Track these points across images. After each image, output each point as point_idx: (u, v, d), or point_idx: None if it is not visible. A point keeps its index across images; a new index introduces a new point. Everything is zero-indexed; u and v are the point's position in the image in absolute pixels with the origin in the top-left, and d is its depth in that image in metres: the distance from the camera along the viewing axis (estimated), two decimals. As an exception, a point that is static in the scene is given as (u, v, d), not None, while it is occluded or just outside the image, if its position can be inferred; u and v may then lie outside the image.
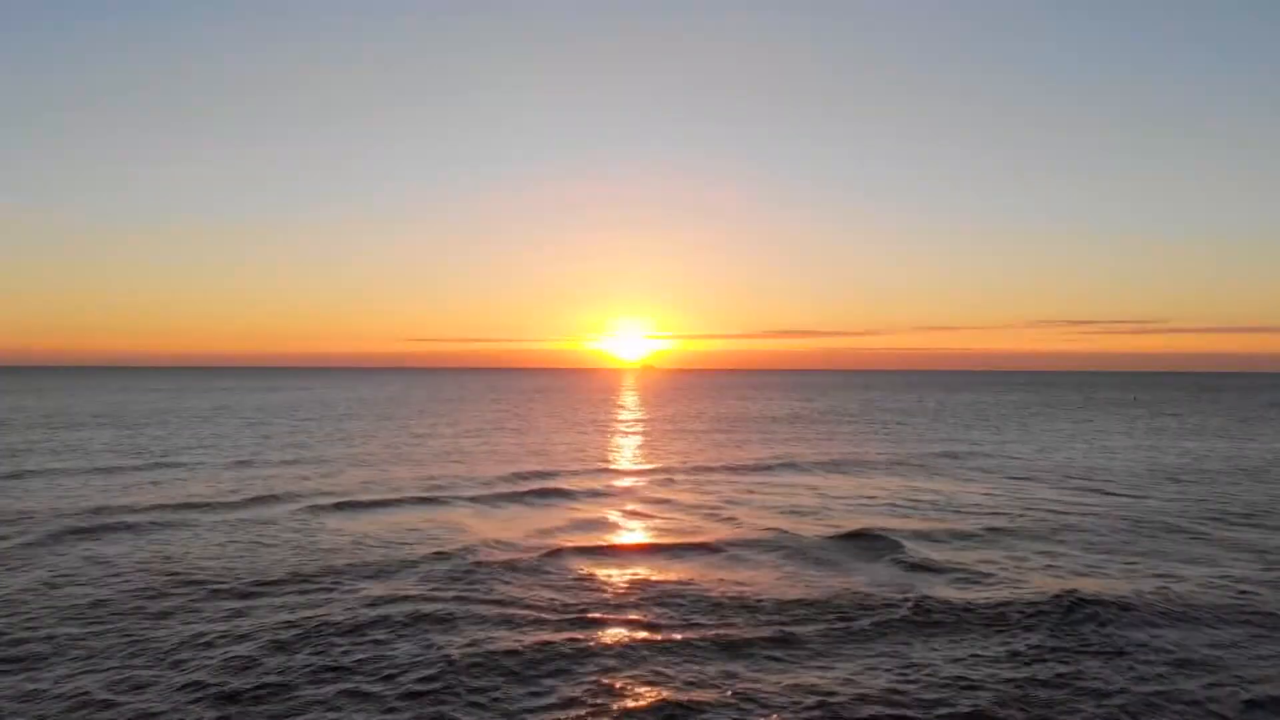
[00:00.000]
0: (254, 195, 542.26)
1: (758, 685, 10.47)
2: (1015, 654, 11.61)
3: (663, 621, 13.03)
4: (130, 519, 21.15)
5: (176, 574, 15.76)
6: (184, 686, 10.34)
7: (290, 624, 12.75)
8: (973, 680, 10.62)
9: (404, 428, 53.68)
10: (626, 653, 11.64)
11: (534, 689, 10.37)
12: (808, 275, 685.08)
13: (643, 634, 12.43)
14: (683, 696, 10.09)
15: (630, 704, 9.89)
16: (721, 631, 12.54)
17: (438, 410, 75.25)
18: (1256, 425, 59.68)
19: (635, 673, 10.88)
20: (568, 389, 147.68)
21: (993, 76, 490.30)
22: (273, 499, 24.46)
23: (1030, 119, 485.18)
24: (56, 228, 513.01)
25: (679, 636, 12.30)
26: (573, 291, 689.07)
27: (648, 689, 10.33)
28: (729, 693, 10.22)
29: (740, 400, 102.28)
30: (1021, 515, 22.45)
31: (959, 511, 23.11)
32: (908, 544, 18.21)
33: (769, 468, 33.20)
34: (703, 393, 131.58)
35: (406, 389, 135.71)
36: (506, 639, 12.11)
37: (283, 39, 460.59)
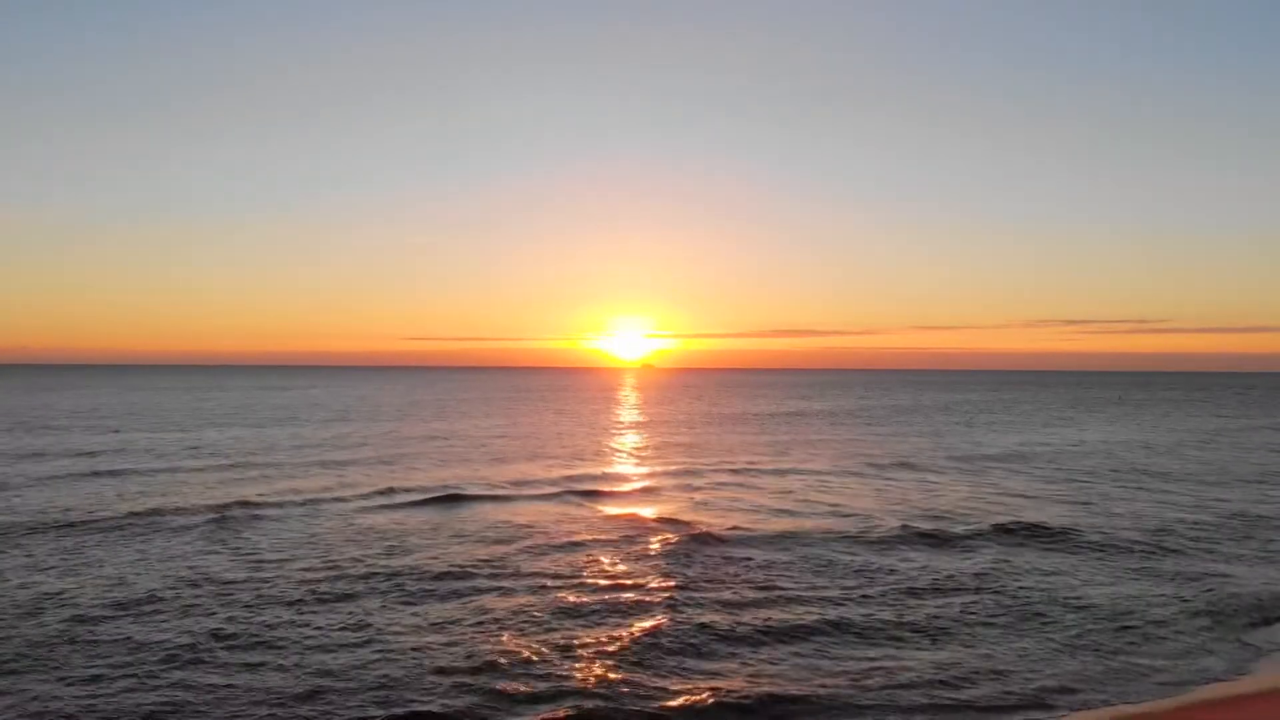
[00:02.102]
0: (247, 194, 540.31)
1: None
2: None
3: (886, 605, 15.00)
4: (333, 508, 23.00)
5: (415, 564, 17.55)
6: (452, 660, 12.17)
7: (517, 606, 14.58)
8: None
9: (471, 424, 55.64)
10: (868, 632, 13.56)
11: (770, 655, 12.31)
12: (806, 275, 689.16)
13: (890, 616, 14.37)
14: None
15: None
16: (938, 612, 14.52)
17: (486, 409, 77.11)
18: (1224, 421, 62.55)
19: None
20: (582, 388, 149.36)
21: (991, 75, 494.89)
22: (402, 490, 26.20)
23: (1029, 118, 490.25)
24: (54, 227, 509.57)
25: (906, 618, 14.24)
26: (571, 290, 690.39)
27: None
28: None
29: (760, 400, 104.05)
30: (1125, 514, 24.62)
31: (1072, 504, 25.24)
32: (1072, 534, 20.08)
33: (852, 469, 34.88)
34: (717, 392, 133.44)
35: (427, 388, 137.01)
36: (711, 614, 14.03)
37: (280, 37, 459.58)
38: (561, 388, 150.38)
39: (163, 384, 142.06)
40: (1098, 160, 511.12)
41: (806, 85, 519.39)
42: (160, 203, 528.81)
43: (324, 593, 14.64)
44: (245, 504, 23.29)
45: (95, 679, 10.70)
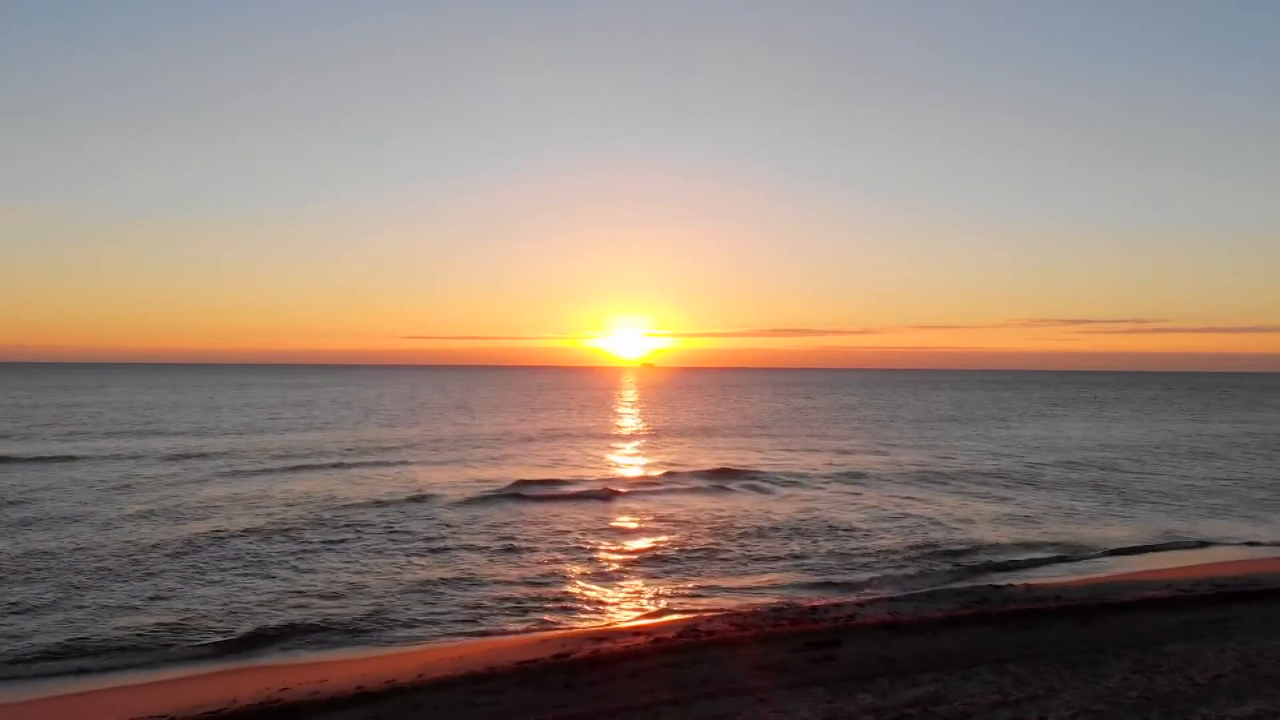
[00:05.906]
0: (247, 192, 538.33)
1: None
2: None
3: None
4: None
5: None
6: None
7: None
8: None
9: (567, 422, 59.19)
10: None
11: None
12: (804, 273, 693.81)
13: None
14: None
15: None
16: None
17: (566, 409, 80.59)
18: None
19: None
20: (601, 387, 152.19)
21: (991, 75, 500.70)
22: (566, 482, 29.69)
23: (1028, 117, 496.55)
24: (54, 226, 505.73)
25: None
26: (571, 289, 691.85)
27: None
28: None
29: (778, 399, 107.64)
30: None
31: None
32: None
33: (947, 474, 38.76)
34: (729, 392, 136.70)
35: (482, 387, 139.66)
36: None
37: (280, 35, 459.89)
38: (582, 386, 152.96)
39: (189, 382, 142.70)
40: (1097, 160, 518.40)
41: (806, 86, 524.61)
42: (160, 203, 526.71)
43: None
44: (431, 496, 26.12)
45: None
